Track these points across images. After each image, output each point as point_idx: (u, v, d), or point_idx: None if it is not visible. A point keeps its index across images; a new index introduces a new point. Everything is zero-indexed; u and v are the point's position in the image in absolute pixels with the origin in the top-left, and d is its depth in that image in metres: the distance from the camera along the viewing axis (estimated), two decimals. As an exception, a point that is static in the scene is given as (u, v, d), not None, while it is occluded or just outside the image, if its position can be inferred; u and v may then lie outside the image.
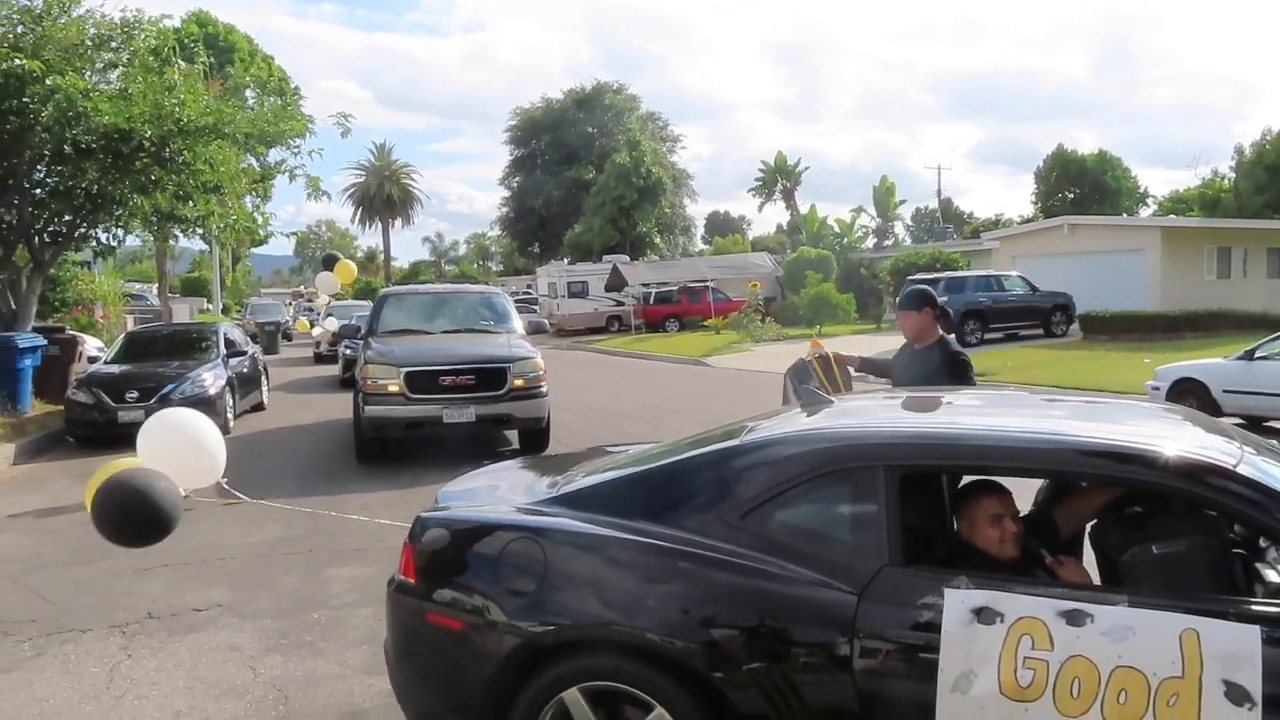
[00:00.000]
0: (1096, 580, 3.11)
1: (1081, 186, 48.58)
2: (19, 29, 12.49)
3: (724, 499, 3.01)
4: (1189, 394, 10.97)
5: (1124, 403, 4.40)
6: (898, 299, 5.43)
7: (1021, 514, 3.23)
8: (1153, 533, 2.88)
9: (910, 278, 24.90)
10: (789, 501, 2.94)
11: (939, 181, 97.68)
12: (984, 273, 25.20)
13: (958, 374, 4.66)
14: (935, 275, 24.16)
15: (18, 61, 11.52)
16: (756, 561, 2.86)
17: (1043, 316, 23.51)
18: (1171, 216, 38.17)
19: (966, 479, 3.36)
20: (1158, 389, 11.53)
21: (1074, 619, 2.50)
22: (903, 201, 49.35)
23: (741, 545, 2.90)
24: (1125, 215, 43.14)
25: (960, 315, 21.98)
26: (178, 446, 3.76)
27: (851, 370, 5.23)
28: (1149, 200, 50.86)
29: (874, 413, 3.70)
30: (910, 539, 2.84)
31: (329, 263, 16.91)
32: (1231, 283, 26.27)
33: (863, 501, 2.86)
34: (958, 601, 2.60)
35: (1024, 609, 2.55)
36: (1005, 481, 3.17)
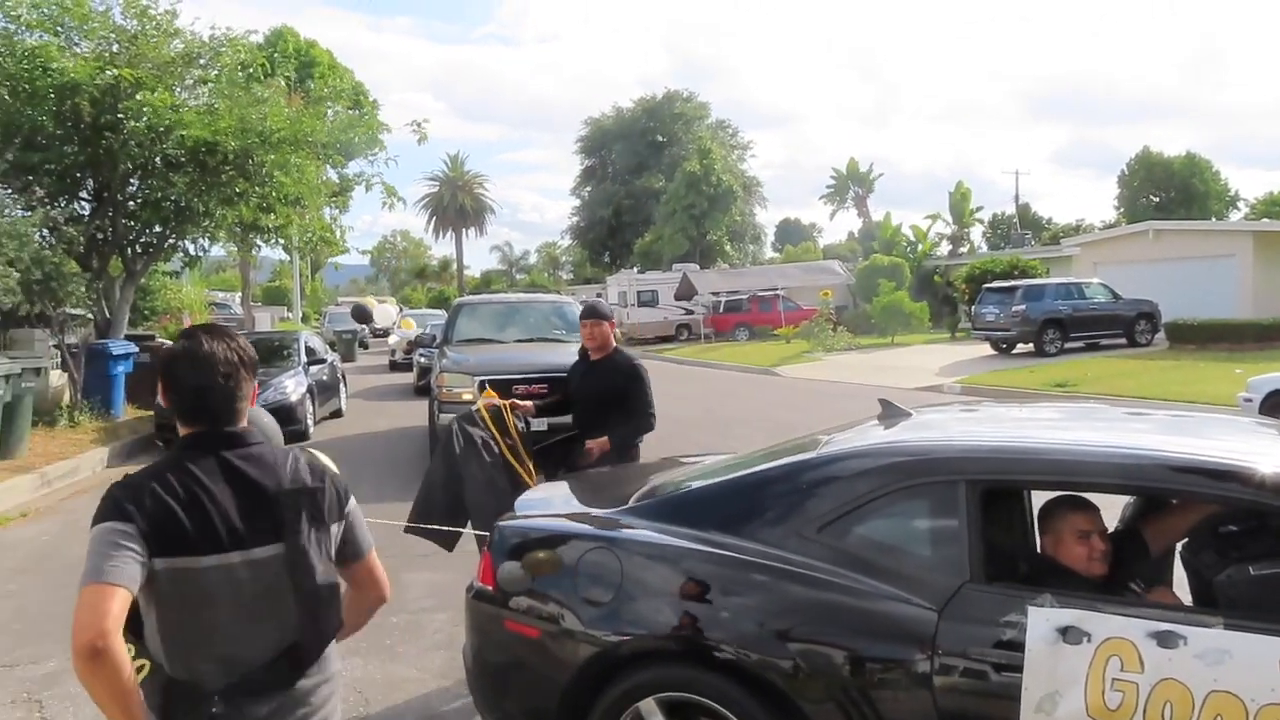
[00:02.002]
0: (1188, 601, 3.01)
1: (1168, 190, 47.20)
2: (114, 48, 13.06)
3: (800, 512, 3.00)
4: (1284, 406, 10.51)
5: (1215, 416, 4.25)
6: (583, 311, 5.68)
7: (1108, 530, 3.14)
8: (1249, 553, 2.78)
9: (986, 285, 24.42)
10: (867, 515, 2.91)
11: (1016, 186, 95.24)
12: (1064, 280, 24.49)
13: (634, 383, 5.10)
14: (1012, 283, 23.61)
15: (110, 71, 11.98)
16: (833, 575, 2.83)
17: (1126, 325, 22.73)
18: (1265, 220, 36.67)
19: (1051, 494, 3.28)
20: (1250, 401, 11.06)
21: (1166, 640, 2.43)
22: (979, 208, 48.30)
23: (818, 559, 2.88)
24: (1214, 219, 41.66)
25: (1039, 324, 21.44)
26: None
27: (530, 418, 5.35)
28: (1240, 203, 49.15)
29: (954, 426, 3.64)
30: (992, 555, 2.78)
31: (360, 315, 17.21)
32: (1331, 289, 25.12)
33: (943, 516, 2.82)
34: (1042, 620, 2.54)
35: (1112, 629, 2.48)
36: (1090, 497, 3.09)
